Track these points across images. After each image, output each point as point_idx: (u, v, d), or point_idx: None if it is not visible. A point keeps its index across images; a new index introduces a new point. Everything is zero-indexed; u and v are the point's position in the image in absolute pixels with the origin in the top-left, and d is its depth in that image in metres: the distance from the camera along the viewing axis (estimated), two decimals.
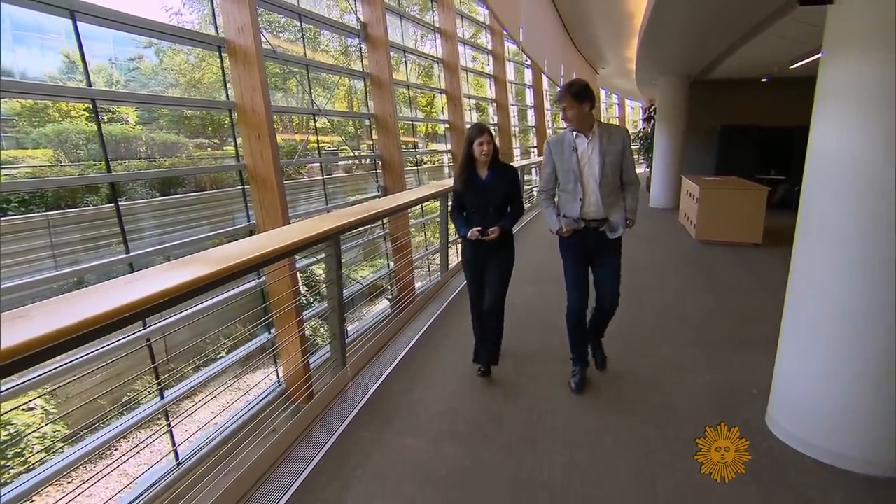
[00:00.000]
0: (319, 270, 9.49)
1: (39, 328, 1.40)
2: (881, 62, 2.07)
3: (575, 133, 2.77)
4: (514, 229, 3.11)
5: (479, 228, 2.93)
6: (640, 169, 17.46)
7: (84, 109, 7.76)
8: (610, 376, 3.18)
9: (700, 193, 6.85)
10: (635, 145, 18.39)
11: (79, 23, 4.76)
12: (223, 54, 6.43)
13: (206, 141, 9.56)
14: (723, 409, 2.80)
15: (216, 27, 6.29)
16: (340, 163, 10.41)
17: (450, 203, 3.80)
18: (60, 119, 7.55)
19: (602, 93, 24.52)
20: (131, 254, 5.18)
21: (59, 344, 1.43)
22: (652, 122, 13.24)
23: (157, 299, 1.78)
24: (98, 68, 8.20)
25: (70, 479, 4.79)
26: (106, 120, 7.97)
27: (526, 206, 10.13)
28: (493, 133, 3.60)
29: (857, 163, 2.17)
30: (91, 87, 5.33)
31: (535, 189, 12.45)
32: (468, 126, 2.96)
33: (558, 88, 2.88)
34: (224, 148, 9.68)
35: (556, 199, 2.99)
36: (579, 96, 2.67)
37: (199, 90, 9.72)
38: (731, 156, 10.59)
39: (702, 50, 7.70)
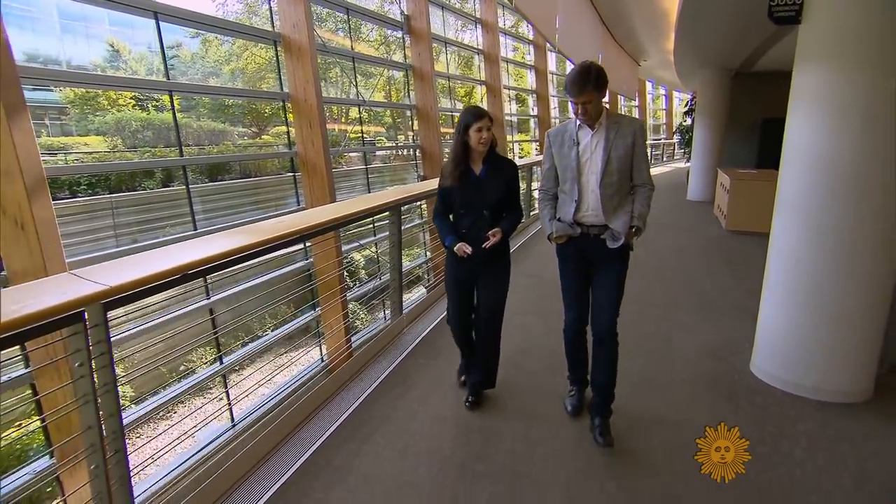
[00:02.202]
0: (359, 256, 10.51)
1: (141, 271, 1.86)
2: (835, 71, 2.81)
3: (578, 124, 2.48)
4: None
5: (469, 249, 2.60)
6: (681, 163, 17.91)
7: (131, 98, 8.75)
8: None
9: (731, 185, 7.48)
10: (676, 139, 18.70)
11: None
12: (278, 48, 7.30)
13: (246, 130, 10.48)
14: (717, 357, 3.57)
15: (272, 22, 7.17)
16: (378, 153, 11.27)
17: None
18: (109, 107, 8.49)
19: (648, 84, 24.84)
20: (198, 230, 6.15)
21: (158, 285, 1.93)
22: (692, 114, 13.74)
23: (268, 242, 2.69)
24: (140, 56, 9.14)
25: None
26: (150, 108, 8.94)
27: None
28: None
29: (819, 150, 2.91)
30: (169, 79, 6.30)
31: None
32: (465, 111, 2.64)
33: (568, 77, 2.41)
34: (262, 136, 10.68)
35: (555, 200, 2.72)
36: (600, 85, 2.32)
37: (242, 79, 10.68)
38: (774, 149, 10.97)
39: (739, 41, 8.23)
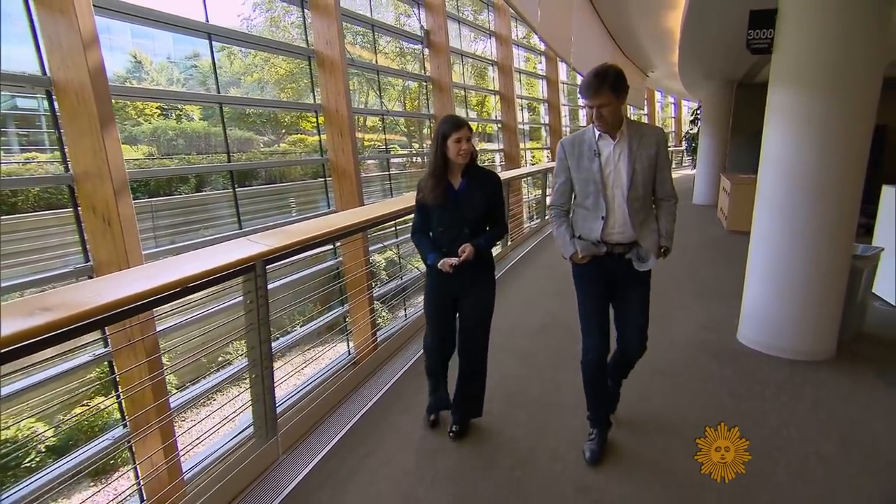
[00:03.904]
0: (380, 258, 11.25)
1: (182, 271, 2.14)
2: (798, 94, 3.58)
3: (597, 133, 2.35)
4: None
5: (454, 260, 2.45)
6: (689, 170, 18.69)
7: (156, 108, 9.46)
8: None
9: (731, 189, 8.23)
10: (683, 146, 19.48)
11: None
12: (312, 63, 8.03)
13: (266, 137, 11.19)
14: (709, 329, 4.32)
15: (306, 38, 7.92)
16: (394, 160, 12.01)
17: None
18: (136, 116, 9.20)
19: (657, 94, 25.67)
20: (243, 229, 6.88)
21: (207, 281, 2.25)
22: (698, 123, 14.54)
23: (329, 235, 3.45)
24: (161, 66, 9.89)
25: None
26: (173, 117, 9.69)
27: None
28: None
29: (787, 157, 3.66)
30: (220, 93, 7.09)
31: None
32: (443, 120, 2.52)
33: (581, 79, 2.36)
34: (280, 144, 11.43)
35: (569, 217, 2.58)
36: (618, 88, 2.21)
37: (267, 89, 11.43)
38: None
39: (738, 58, 8.98)
